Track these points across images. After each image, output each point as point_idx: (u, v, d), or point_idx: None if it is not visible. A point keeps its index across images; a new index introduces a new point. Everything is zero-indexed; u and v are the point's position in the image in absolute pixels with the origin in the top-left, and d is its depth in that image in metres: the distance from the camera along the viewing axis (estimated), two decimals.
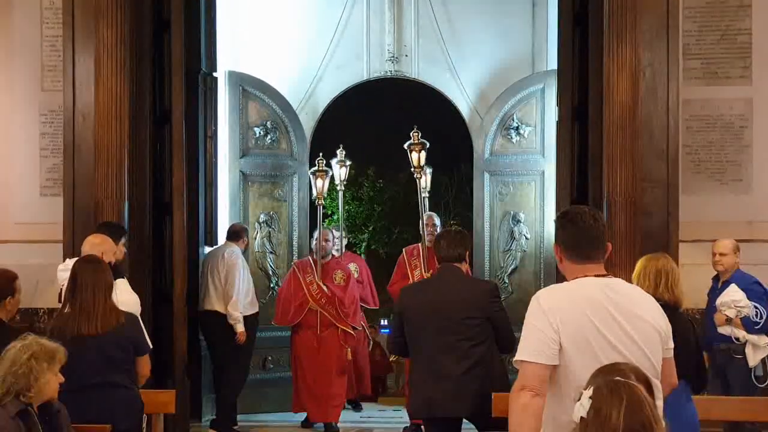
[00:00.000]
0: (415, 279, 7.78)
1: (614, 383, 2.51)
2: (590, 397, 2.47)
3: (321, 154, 8.58)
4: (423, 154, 8.00)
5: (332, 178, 8.85)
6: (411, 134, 8.00)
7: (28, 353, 3.91)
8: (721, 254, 6.48)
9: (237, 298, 7.83)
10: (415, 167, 8.00)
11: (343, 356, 8.02)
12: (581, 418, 2.46)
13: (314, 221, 8.77)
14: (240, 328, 7.80)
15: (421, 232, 8.24)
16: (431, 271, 7.57)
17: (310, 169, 9.01)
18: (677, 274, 4.84)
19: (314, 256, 8.11)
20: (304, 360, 8.01)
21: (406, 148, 8.05)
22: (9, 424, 3.80)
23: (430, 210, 8.85)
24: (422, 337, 5.18)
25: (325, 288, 7.95)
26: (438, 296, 5.17)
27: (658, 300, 4.53)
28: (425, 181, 8.66)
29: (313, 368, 7.95)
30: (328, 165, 8.76)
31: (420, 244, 8.18)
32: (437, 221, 8.39)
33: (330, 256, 8.27)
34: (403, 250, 8.47)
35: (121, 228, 6.24)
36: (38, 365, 3.90)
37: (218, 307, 7.90)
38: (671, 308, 4.69)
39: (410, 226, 14.75)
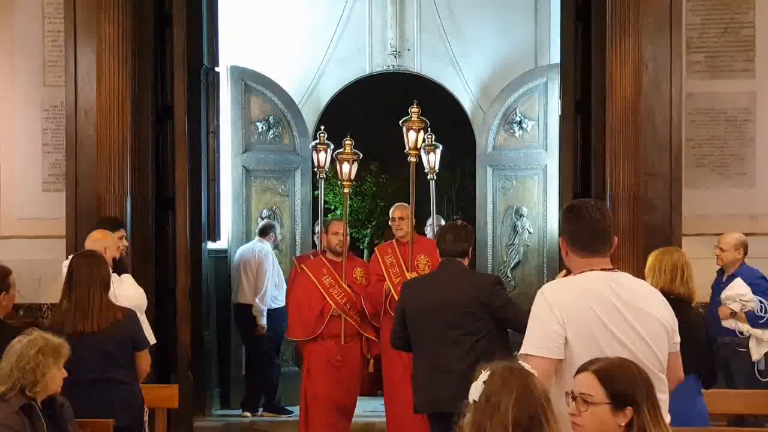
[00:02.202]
0: (393, 280, 6.80)
1: (509, 371, 2.51)
2: (484, 382, 2.46)
3: (348, 134, 7.16)
4: (421, 134, 6.90)
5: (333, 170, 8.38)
6: (409, 110, 6.87)
7: (35, 348, 3.91)
8: (721, 249, 6.49)
9: (264, 291, 8.25)
10: (410, 149, 6.86)
11: (365, 369, 6.89)
12: (473, 401, 2.46)
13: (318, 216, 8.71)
14: (262, 321, 8.23)
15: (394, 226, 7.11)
16: (413, 271, 6.71)
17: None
18: (691, 268, 4.85)
19: (328, 255, 6.96)
20: (324, 376, 6.70)
21: (401, 125, 6.89)
22: (12, 418, 3.80)
23: (436, 200, 7.88)
24: (424, 333, 5.17)
25: (350, 291, 6.76)
26: (440, 291, 5.16)
27: (672, 294, 4.57)
28: (434, 160, 7.61)
29: (335, 385, 6.70)
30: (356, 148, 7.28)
31: (394, 241, 7.10)
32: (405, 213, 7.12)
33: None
34: (376, 249, 7.36)
35: (118, 221, 6.22)
36: (45, 360, 3.91)
37: (250, 299, 8.36)
38: (685, 302, 4.70)
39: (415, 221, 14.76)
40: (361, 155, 7.15)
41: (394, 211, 7.16)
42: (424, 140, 7.18)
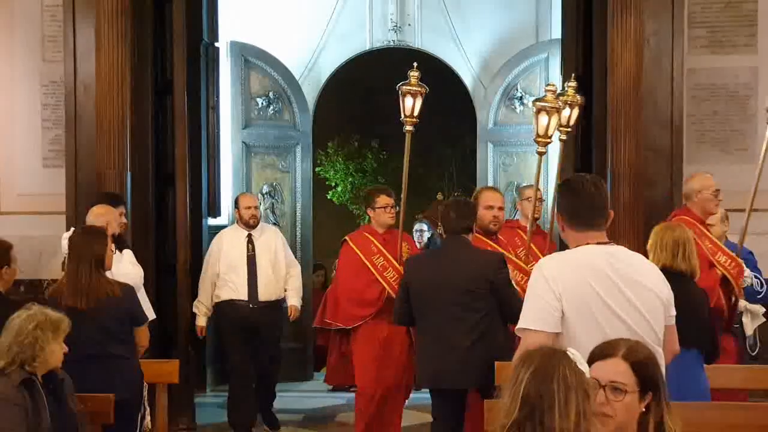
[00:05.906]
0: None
1: (537, 349, 2.50)
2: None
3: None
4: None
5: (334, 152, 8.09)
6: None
7: (33, 323, 3.92)
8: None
9: (201, 283, 7.14)
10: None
11: None
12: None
13: (318, 193, 8.68)
14: (199, 322, 7.13)
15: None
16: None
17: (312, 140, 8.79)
18: (693, 244, 4.83)
19: (476, 231, 5.71)
20: None
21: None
22: (13, 392, 3.82)
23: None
24: (429, 309, 5.18)
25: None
26: (444, 268, 5.17)
27: (674, 270, 4.56)
28: (575, 115, 6.17)
29: None
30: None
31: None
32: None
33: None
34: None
35: (118, 197, 6.22)
36: (43, 335, 3.92)
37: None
38: (687, 278, 4.69)
39: (415, 197, 14.74)
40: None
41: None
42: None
